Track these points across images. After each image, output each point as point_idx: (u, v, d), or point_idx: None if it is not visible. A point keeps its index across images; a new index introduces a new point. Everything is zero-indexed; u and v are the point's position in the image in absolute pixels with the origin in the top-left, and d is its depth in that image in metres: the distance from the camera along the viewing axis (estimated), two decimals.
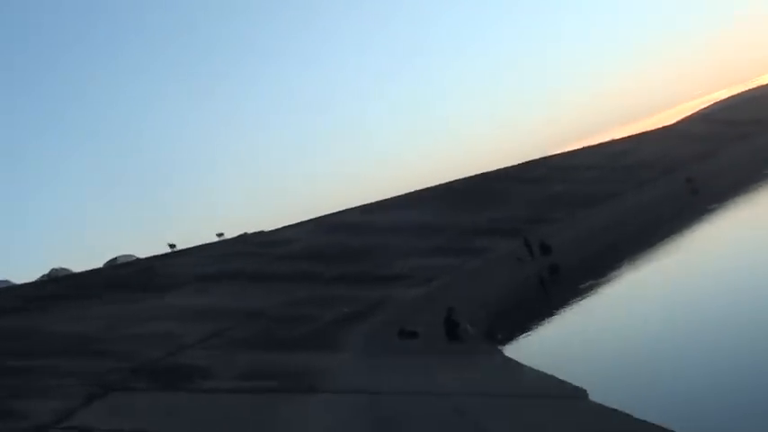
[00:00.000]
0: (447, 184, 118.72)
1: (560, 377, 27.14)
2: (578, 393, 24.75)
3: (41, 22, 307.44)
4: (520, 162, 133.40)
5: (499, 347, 36.51)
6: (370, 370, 30.63)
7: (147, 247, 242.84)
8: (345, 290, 51.13)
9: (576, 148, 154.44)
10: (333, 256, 67.66)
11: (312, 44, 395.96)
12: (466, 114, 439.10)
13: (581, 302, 46.34)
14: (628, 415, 21.46)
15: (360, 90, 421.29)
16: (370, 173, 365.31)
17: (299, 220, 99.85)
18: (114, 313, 45.33)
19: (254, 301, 48.98)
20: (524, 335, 41.03)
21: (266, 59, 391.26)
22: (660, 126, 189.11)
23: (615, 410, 22.07)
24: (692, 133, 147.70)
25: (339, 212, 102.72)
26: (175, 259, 78.92)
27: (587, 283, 50.26)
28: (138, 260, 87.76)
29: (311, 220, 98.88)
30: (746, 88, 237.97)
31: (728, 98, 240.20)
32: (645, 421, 20.75)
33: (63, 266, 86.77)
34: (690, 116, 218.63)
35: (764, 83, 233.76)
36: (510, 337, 39.70)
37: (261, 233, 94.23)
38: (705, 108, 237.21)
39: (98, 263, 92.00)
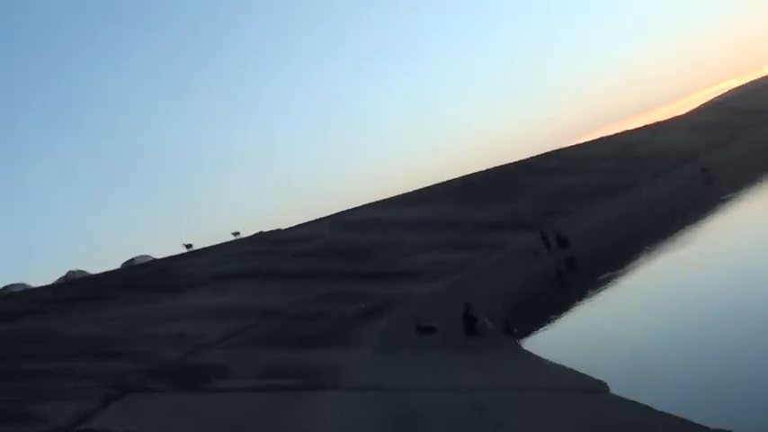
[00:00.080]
0: (461, 178, 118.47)
1: (580, 371, 27.01)
2: (599, 387, 24.64)
3: (57, 27, 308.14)
4: (533, 155, 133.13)
5: (517, 342, 36.35)
6: (389, 366, 30.50)
7: (164, 247, 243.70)
8: (362, 286, 50.95)
9: (589, 139, 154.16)
10: (349, 252, 67.51)
11: (323, 41, 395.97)
12: (478, 109, 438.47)
13: (598, 295, 46.09)
14: (649, 407, 21.39)
15: (371, 86, 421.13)
16: (383, 169, 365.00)
17: (314, 218, 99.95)
18: (131, 314, 45.35)
19: (271, 300, 48.88)
20: (543, 328, 40.78)
21: (279, 58, 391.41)
22: (673, 116, 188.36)
23: (636, 403, 22.00)
24: (706, 123, 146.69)
25: (354, 209, 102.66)
26: (192, 259, 79.09)
27: (605, 275, 49.95)
28: (155, 261, 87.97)
29: (327, 217, 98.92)
30: (759, 76, 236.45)
31: (741, 86, 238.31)
32: (666, 413, 20.70)
33: (80, 269, 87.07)
34: (703, 105, 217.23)
35: None
36: (528, 331, 39.46)
37: (277, 231, 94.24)
38: (718, 97, 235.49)
39: (115, 264, 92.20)
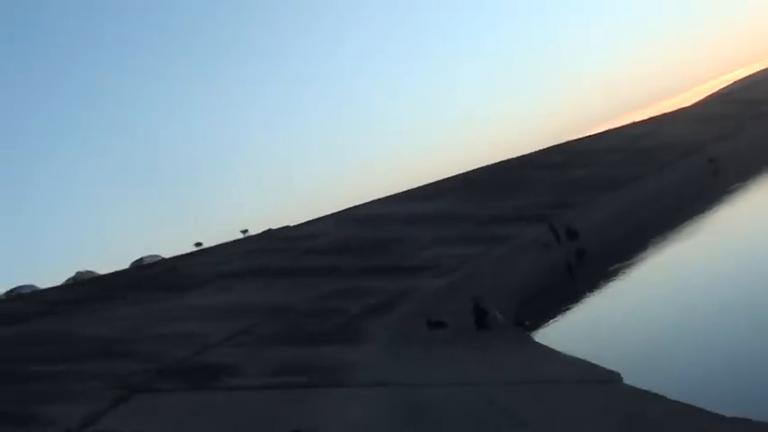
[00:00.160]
0: (468, 173, 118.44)
1: (592, 362, 26.84)
2: (612, 377, 24.48)
3: (65, 27, 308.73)
4: (540, 148, 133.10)
5: (529, 334, 36.16)
6: (400, 362, 30.32)
7: (174, 246, 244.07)
8: (371, 282, 50.80)
9: (596, 132, 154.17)
10: (357, 248, 67.42)
11: (323, 40, 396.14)
12: (483, 103, 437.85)
13: (608, 286, 46.02)
14: (663, 396, 21.35)
15: (376, 82, 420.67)
16: (390, 165, 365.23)
17: (322, 215, 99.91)
18: (139, 314, 45.25)
19: (281, 297, 48.76)
20: (554, 321, 40.67)
21: (285, 56, 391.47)
22: (679, 108, 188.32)
23: (650, 393, 21.91)
24: (712, 114, 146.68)
25: (361, 205, 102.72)
26: (200, 258, 79.13)
27: (614, 267, 49.87)
28: (164, 260, 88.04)
29: (334, 213, 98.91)
30: (765, 67, 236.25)
31: (747, 77, 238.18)
32: (680, 402, 20.71)
33: (88, 269, 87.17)
34: (709, 96, 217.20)
35: None
36: (539, 323, 39.30)
37: (285, 228, 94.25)
38: (724, 88, 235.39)
39: (124, 264, 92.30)
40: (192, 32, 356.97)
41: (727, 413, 19.28)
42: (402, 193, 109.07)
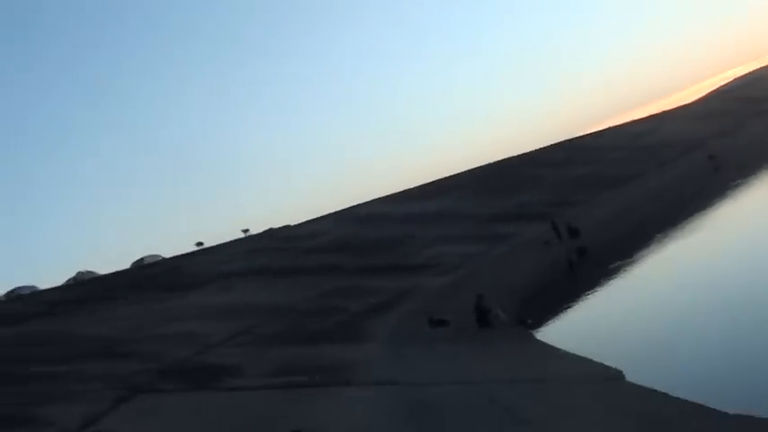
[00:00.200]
0: (468, 171, 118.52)
1: (594, 360, 26.77)
2: (615, 375, 24.40)
3: (65, 27, 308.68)
4: (541, 146, 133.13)
5: (531, 332, 36.07)
6: (402, 360, 30.23)
7: (175, 246, 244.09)
8: (372, 280, 50.74)
9: (597, 130, 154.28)
10: (358, 247, 67.37)
11: (324, 38, 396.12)
12: (485, 102, 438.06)
13: (610, 284, 45.95)
14: (666, 394, 21.32)
15: (376, 81, 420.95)
16: (390, 164, 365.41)
17: (322, 214, 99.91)
18: (140, 314, 45.17)
19: (282, 296, 48.72)
20: (555, 318, 40.59)
21: (287, 55, 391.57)
22: (680, 105, 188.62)
23: (654, 390, 21.87)
24: (712, 111, 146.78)
25: (362, 204, 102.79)
26: (201, 257, 79.17)
27: (616, 264, 49.79)
28: (164, 260, 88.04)
29: (335, 212, 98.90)
30: (764, 64, 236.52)
31: (746, 74, 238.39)
32: (684, 400, 20.67)
33: (89, 269, 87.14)
34: (709, 94, 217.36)
35: None
36: (541, 321, 39.20)
37: (286, 227, 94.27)
38: (724, 85, 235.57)
39: (125, 265, 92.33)
40: (191, 31, 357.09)
41: (732, 410, 19.23)
42: (403, 191, 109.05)
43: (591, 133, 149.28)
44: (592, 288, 45.80)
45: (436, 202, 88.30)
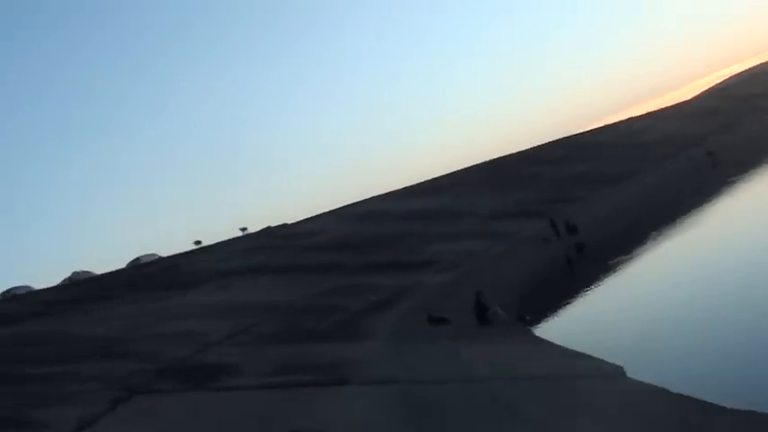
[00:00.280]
0: (467, 169, 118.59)
1: (594, 356, 26.75)
2: (616, 371, 24.38)
3: (65, 27, 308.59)
4: (539, 144, 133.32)
5: (530, 329, 36.03)
6: (402, 358, 30.07)
7: (173, 245, 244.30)
8: (371, 278, 50.60)
9: (595, 127, 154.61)
10: (357, 245, 67.22)
11: (326, 37, 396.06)
12: (483, 99, 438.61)
13: (609, 280, 45.97)
14: (666, 390, 21.47)
15: (375, 79, 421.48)
16: (389, 162, 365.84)
17: (320, 212, 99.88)
18: (137, 314, 44.96)
19: (280, 295, 48.53)
20: (555, 315, 40.59)
21: (286, 54, 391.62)
22: (676, 102, 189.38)
23: (655, 386, 21.95)
24: (709, 108, 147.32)
25: (361, 202, 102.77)
26: (199, 256, 79.00)
27: (614, 261, 49.86)
28: (161, 259, 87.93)
29: (333, 210, 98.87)
30: (761, 61, 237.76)
31: (743, 72, 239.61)
32: (684, 395, 20.86)
33: (85, 269, 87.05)
34: (706, 91, 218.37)
35: None
36: (540, 318, 39.17)
37: (284, 226, 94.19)
38: (721, 83, 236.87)
39: (121, 264, 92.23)
40: (189, 30, 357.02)
41: (731, 405, 19.41)
42: (402, 189, 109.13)
43: (589, 130, 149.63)
44: (590, 284, 45.82)
45: (435, 200, 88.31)
